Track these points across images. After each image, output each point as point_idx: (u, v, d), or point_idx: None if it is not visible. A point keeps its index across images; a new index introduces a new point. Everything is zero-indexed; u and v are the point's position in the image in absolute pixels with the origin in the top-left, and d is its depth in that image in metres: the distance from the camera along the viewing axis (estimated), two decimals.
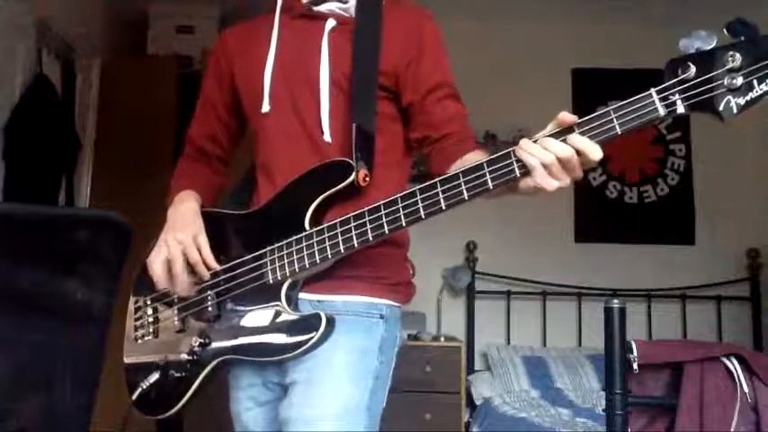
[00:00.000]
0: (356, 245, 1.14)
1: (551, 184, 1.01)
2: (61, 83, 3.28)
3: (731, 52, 0.92)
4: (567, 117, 1.00)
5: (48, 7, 3.10)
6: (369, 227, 1.12)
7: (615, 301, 1.44)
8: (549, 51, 3.86)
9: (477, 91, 3.54)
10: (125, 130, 3.53)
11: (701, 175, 3.83)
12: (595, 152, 0.98)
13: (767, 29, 0.95)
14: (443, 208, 1.07)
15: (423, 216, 1.09)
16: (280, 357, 1.19)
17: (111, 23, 3.85)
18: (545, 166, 1.00)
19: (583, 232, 3.82)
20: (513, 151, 1.03)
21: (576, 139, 0.99)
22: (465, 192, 1.05)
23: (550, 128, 1.03)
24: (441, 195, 1.07)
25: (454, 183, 1.06)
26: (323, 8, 1.32)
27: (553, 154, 0.99)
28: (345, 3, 1.32)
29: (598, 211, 3.84)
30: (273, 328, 1.20)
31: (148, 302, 1.40)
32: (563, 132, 1.00)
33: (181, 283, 1.27)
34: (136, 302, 1.43)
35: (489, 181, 1.04)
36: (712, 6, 3.31)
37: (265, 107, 1.30)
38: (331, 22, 1.30)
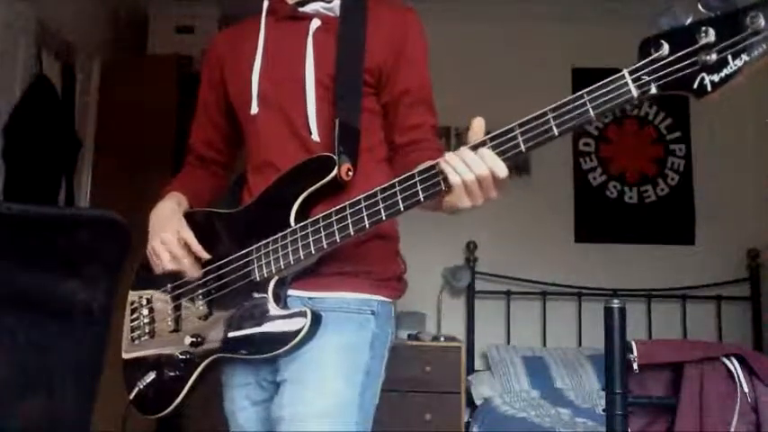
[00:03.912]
0: (338, 239, 1.15)
1: (465, 202, 1.05)
2: (61, 83, 3.28)
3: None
4: (477, 133, 1.05)
5: (48, 7, 3.10)
6: (350, 221, 1.13)
7: (615, 301, 1.44)
8: (549, 51, 3.86)
9: (478, 91, 3.57)
10: (125, 130, 3.52)
11: (700, 175, 3.83)
12: (500, 169, 1.02)
13: None
14: (421, 200, 1.08)
15: (402, 209, 1.10)
16: (268, 354, 1.20)
17: (111, 23, 3.85)
18: (465, 185, 1.03)
19: (583, 232, 3.82)
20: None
21: (486, 153, 1.02)
22: (442, 183, 1.07)
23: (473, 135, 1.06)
24: (419, 186, 1.08)
25: (432, 173, 1.08)
26: (308, 9, 1.34)
27: (474, 174, 1.02)
28: (330, 2, 1.34)
29: (598, 211, 3.84)
30: (261, 325, 1.21)
31: (144, 303, 1.41)
32: (499, 137, 1.03)
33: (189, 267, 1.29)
34: (132, 303, 1.43)
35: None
36: None
37: (254, 109, 1.32)
38: (316, 23, 1.31)
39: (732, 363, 1.46)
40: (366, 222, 1.12)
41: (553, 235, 3.75)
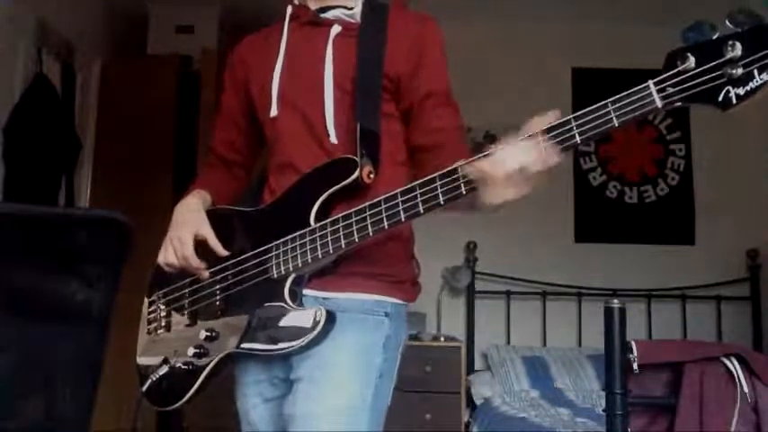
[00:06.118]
0: (357, 239, 1.16)
1: (509, 193, 1.04)
2: (61, 83, 3.29)
3: (731, 42, 0.91)
4: (549, 117, 1.04)
5: (48, 7, 3.11)
6: (369, 221, 1.14)
7: (615, 301, 1.44)
8: (549, 51, 3.86)
9: (478, 91, 3.56)
10: (125, 130, 3.53)
11: (701, 175, 3.83)
12: (535, 164, 1.01)
13: None
14: (441, 203, 1.09)
15: (421, 211, 1.10)
16: (281, 352, 1.20)
17: (111, 23, 3.85)
18: (507, 175, 1.02)
19: (583, 232, 3.82)
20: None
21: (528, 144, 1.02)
22: (463, 186, 1.07)
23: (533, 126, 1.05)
24: (439, 190, 1.09)
25: (453, 177, 1.08)
26: (329, 15, 1.36)
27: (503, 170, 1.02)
28: (351, 9, 1.36)
29: (598, 211, 3.84)
30: (276, 322, 1.21)
31: (161, 296, 1.42)
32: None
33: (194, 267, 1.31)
34: (150, 296, 1.46)
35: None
36: (714, 5, 3.31)
37: (273, 112, 1.34)
38: (336, 28, 1.33)
39: (732, 363, 1.46)
40: (385, 223, 1.13)
41: (553, 235, 3.75)
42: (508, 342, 3.66)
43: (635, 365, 1.44)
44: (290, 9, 1.40)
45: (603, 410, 1.42)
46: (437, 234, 3.38)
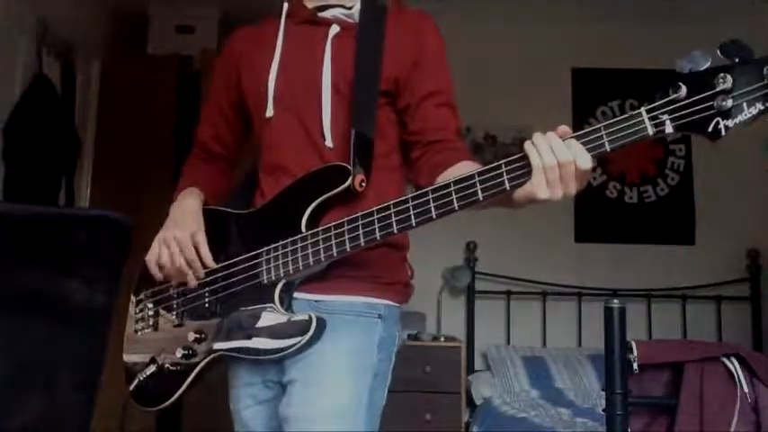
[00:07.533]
0: (348, 249, 1.16)
1: (545, 191, 1.03)
2: (61, 83, 3.29)
3: (722, 74, 0.94)
4: (562, 129, 1.04)
5: (48, 7, 3.10)
6: (361, 231, 1.14)
7: (615, 301, 1.44)
8: (549, 51, 3.86)
9: (478, 92, 3.56)
10: (125, 130, 3.53)
11: (701, 175, 3.83)
12: (585, 160, 1.02)
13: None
14: (434, 217, 1.09)
15: (414, 224, 1.11)
16: (270, 356, 1.20)
17: (111, 23, 3.85)
18: (545, 170, 1.01)
19: (583, 232, 3.82)
20: (504, 163, 1.05)
21: (573, 142, 1.02)
22: (455, 201, 1.07)
23: None
24: (432, 204, 1.09)
25: (445, 192, 1.08)
26: (327, 14, 1.34)
27: (555, 157, 1.01)
28: (349, 9, 1.34)
29: (598, 211, 3.84)
30: (266, 327, 1.21)
31: (149, 295, 1.41)
32: None
33: (175, 275, 1.29)
34: (137, 295, 1.44)
35: (480, 192, 1.06)
36: (712, 6, 3.32)
37: (269, 112, 1.32)
38: (335, 29, 1.31)
39: (732, 363, 1.46)
40: (377, 234, 1.13)
41: (553, 235, 3.75)
42: (508, 342, 3.66)
43: (635, 365, 1.44)
44: (285, 6, 1.37)
45: (603, 410, 1.42)
46: (437, 234, 3.37)
